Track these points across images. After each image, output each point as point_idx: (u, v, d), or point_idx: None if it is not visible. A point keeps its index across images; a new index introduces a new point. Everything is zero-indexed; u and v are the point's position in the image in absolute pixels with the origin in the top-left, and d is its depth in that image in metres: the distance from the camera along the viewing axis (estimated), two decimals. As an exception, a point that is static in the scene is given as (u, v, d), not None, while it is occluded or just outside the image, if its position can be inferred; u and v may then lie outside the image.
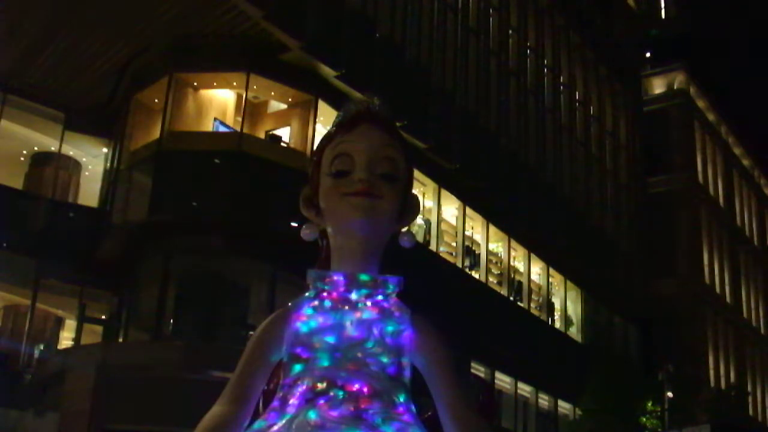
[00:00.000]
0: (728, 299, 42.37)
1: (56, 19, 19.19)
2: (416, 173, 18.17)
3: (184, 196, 18.49)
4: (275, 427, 1.75)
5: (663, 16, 48.38)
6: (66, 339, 21.66)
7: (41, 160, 22.03)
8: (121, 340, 19.00)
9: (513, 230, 25.50)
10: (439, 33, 23.03)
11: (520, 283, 26.21)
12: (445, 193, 22.77)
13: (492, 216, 24.58)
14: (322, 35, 18.96)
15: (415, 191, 2.04)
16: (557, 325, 27.70)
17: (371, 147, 1.91)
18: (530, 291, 26.52)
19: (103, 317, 20.87)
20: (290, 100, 19.89)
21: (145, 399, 15.63)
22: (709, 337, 38.69)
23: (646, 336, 32.07)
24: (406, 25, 21.85)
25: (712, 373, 38.29)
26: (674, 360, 28.30)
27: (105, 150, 21.99)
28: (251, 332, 2.03)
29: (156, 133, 19.13)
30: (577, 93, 30.47)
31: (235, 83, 19.71)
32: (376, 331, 1.85)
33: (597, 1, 32.46)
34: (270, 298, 17.59)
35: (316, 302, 1.90)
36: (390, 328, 1.86)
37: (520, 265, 26.42)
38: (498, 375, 23.87)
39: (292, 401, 1.78)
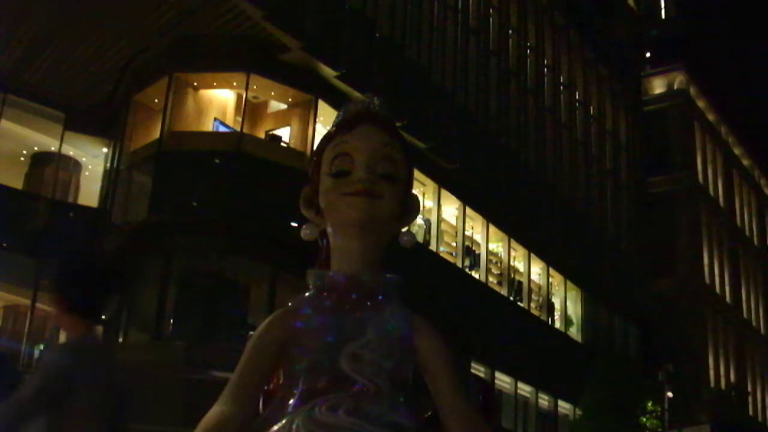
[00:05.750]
0: (728, 299, 42.39)
1: (56, 19, 19.18)
2: (416, 173, 18.16)
3: (184, 196, 18.47)
4: (275, 427, 1.75)
5: (663, 16, 48.40)
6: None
7: (41, 160, 22.01)
8: (121, 340, 18.99)
9: (513, 230, 25.50)
10: (439, 33, 23.03)
11: (520, 283, 26.20)
12: (445, 193, 22.76)
13: (492, 216, 24.57)
14: (322, 35, 18.96)
15: (415, 191, 2.04)
16: (557, 325, 27.69)
17: (371, 147, 1.91)
18: (530, 291, 26.52)
19: (103, 317, 20.85)
20: (290, 100, 19.88)
21: (145, 399, 15.59)
22: (709, 337, 38.70)
23: (646, 336, 32.07)
24: (406, 25, 21.85)
25: (712, 373, 38.30)
26: (674, 360, 28.32)
27: (105, 150, 21.97)
28: (251, 332, 2.03)
29: (156, 133, 19.12)
30: (577, 93, 30.46)
31: (235, 83, 19.69)
32: (376, 331, 1.85)
33: (597, 1, 32.45)
34: (270, 298, 17.58)
35: (316, 302, 1.90)
36: (390, 328, 1.86)
37: (520, 265, 26.41)
38: (498, 375, 23.86)
39: (292, 401, 1.79)
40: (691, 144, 40.99)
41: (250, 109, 20.03)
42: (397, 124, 2.05)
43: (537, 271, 27.19)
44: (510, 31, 26.69)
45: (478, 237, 24.61)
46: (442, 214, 22.83)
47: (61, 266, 3.31)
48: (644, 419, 24.96)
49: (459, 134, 22.85)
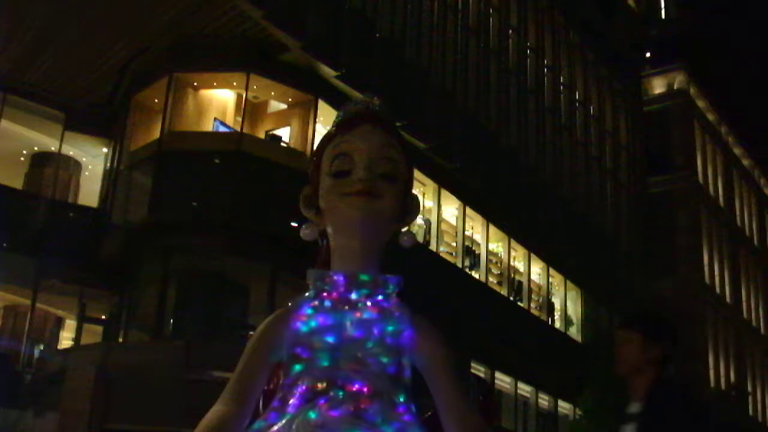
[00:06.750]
0: (728, 299, 42.37)
1: (56, 19, 19.17)
2: (416, 173, 18.16)
3: (184, 196, 18.47)
4: (275, 427, 1.75)
5: (663, 16, 48.36)
6: (66, 339, 21.65)
7: (41, 160, 22.02)
8: (121, 340, 18.99)
9: (513, 230, 25.50)
10: (439, 33, 23.02)
11: (520, 283, 26.20)
12: (445, 193, 22.76)
13: (492, 216, 24.57)
14: (322, 35, 18.95)
15: (415, 191, 2.04)
16: (557, 325, 27.69)
17: (371, 147, 1.92)
18: (530, 291, 26.51)
19: (103, 317, 20.87)
20: (290, 100, 19.88)
21: (145, 399, 15.62)
22: (709, 337, 38.69)
23: (646, 336, 32.01)
24: (406, 25, 21.84)
25: (712, 373, 38.29)
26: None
27: (105, 150, 21.98)
28: (251, 332, 2.03)
29: (156, 133, 19.12)
30: (577, 93, 30.46)
31: (235, 83, 19.69)
32: (376, 331, 1.85)
33: (597, 1, 32.46)
34: (270, 298, 17.58)
35: (316, 302, 1.90)
36: (390, 328, 1.86)
37: (520, 265, 26.41)
38: (498, 375, 23.87)
39: (292, 401, 1.79)
40: (691, 144, 40.97)
41: (250, 109, 20.04)
42: (397, 124, 2.05)
43: (537, 271, 27.19)
44: (510, 31, 26.69)
45: (478, 237, 24.60)
46: (442, 214, 22.83)
47: None
48: (644, 419, 24.88)
49: (459, 134, 22.84)
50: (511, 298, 25.42)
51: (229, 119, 19.97)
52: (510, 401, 24.44)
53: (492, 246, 25.10)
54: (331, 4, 19.47)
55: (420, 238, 21.10)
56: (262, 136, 20.10)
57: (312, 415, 1.72)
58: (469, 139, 23.22)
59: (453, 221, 23.80)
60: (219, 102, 20.10)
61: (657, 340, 3.54)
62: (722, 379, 39.48)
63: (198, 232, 17.98)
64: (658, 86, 41.73)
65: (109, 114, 21.11)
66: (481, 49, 24.91)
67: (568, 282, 28.40)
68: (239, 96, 20.04)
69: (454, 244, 23.63)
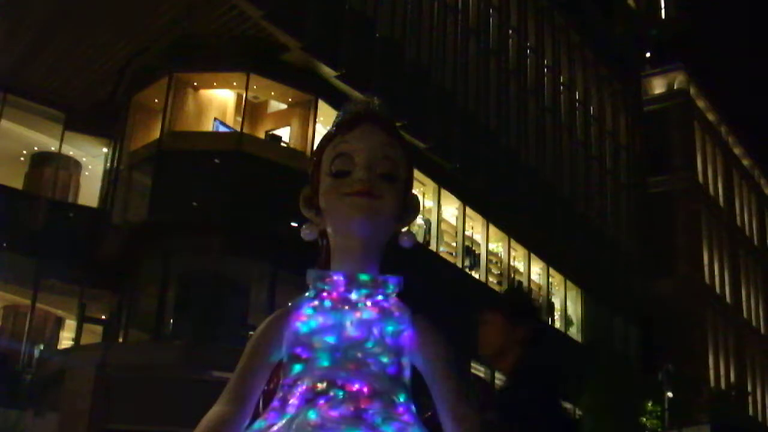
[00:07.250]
0: (728, 299, 42.38)
1: (56, 19, 19.18)
2: (416, 173, 18.13)
3: (184, 196, 18.47)
4: (275, 427, 1.75)
5: (663, 16, 48.40)
6: (66, 339, 21.64)
7: (41, 160, 22.02)
8: (121, 340, 18.98)
9: (513, 230, 25.49)
10: (439, 33, 23.02)
11: (520, 283, 26.17)
12: (445, 193, 22.76)
13: (492, 216, 24.57)
14: (322, 35, 18.96)
15: (415, 191, 2.04)
16: (557, 325, 27.68)
17: (371, 147, 1.91)
18: (530, 291, 26.48)
19: (103, 317, 20.86)
20: (290, 100, 19.88)
21: (145, 399, 15.62)
22: (709, 337, 38.70)
23: (646, 336, 32.06)
24: (406, 25, 21.84)
25: (712, 373, 38.29)
26: (674, 360, 28.31)
27: (105, 150, 21.98)
28: (251, 332, 2.03)
29: (156, 133, 19.11)
30: (577, 93, 30.46)
31: (235, 83, 19.69)
32: (376, 331, 1.85)
33: (597, 1, 32.46)
34: (270, 298, 17.58)
35: (316, 302, 1.90)
36: (390, 328, 1.86)
37: (520, 265, 26.40)
38: (498, 375, 23.82)
39: (292, 401, 1.79)
40: (691, 144, 40.98)
41: (250, 109, 20.03)
42: (397, 124, 2.05)
43: (537, 271, 27.18)
44: (510, 31, 26.69)
45: (478, 237, 24.60)
46: (442, 214, 22.83)
47: None
48: (644, 419, 24.93)
49: (459, 134, 22.84)
50: (511, 298, 25.36)
51: (229, 119, 19.96)
52: (510, 401, 24.38)
53: (492, 246, 25.10)
54: (331, 4, 19.47)
55: (420, 238, 21.09)
56: (262, 136, 20.09)
57: (312, 415, 1.72)
58: (469, 139, 23.21)
59: (453, 221, 23.80)
60: (219, 102, 20.09)
61: (518, 322, 3.46)
62: (722, 379, 39.48)
63: (198, 232, 17.98)
64: (658, 86, 41.73)
65: (109, 114, 21.09)
66: (481, 49, 24.91)
67: (568, 282, 28.39)
68: (239, 96, 20.04)
69: (454, 244, 23.63)
